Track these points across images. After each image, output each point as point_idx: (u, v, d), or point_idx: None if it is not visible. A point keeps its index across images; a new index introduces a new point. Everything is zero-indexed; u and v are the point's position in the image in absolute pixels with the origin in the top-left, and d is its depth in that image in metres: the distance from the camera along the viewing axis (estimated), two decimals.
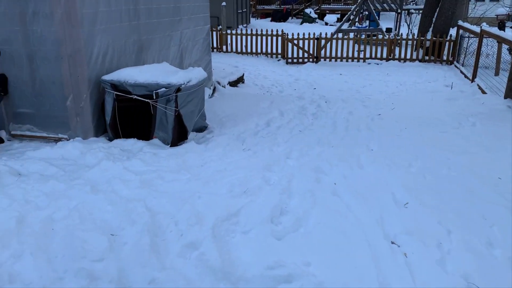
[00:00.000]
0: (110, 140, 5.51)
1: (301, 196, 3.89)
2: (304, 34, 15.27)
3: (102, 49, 5.49)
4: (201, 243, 3.14)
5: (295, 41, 15.27)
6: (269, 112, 7.11)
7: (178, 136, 5.43)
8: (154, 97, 5.18)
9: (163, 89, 5.17)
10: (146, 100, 5.28)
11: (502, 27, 14.16)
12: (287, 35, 15.45)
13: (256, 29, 16.17)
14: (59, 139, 5.53)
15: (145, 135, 5.54)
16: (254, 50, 16.00)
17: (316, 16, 28.47)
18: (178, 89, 5.21)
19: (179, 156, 4.97)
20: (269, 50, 15.91)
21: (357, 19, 19.55)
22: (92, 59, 5.32)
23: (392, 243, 3.29)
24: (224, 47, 16.40)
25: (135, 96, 5.31)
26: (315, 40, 15.13)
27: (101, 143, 5.30)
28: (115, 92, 5.35)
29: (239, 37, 16.30)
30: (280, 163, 4.78)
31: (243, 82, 11.86)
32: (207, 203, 3.69)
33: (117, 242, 3.16)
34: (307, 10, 28.47)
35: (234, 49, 16.25)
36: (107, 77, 5.38)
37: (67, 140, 5.49)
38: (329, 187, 4.14)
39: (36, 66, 5.30)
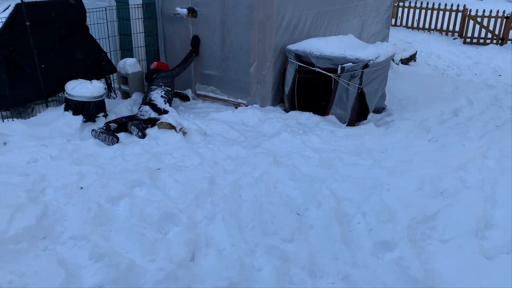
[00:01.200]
0: (286, 111, 5.45)
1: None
2: (491, 11, 13.26)
3: (293, 18, 5.36)
4: (396, 244, 2.82)
5: (478, 19, 13.37)
6: (454, 98, 6.27)
7: (357, 116, 5.09)
8: (339, 71, 4.89)
9: (350, 64, 4.84)
10: (329, 74, 5.02)
11: None
12: (470, 11, 13.59)
13: (433, 2, 14.57)
14: (238, 104, 5.67)
15: (321, 109, 5.34)
16: (426, 26, 14.55)
17: None
18: (366, 65, 4.83)
19: (357, 138, 4.66)
20: (444, 27, 14.27)
21: None
22: (281, 27, 5.24)
23: None
24: (393, 20, 15.25)
25: (318, 69, 5.09)
26: (504, 19, 13.01)
27: (278, 113, 5.26)
28: (298, 63, 5.21)
29: (411, 10, 14.94)
30: (476, 163, 4.11)
31: (414, 60, 10.87)
32: (397, 198, 3.32)
33: (304, 224, 3.03)
34: None
35: (404, 23, 15.00)
36: (292, 47, 5.26)
37: (246, 105, 5.60)
38: None
39: (227, 30, 5.43)
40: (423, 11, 14.49)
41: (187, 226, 2.91)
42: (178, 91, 5.92)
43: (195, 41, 5.70)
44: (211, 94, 5.90)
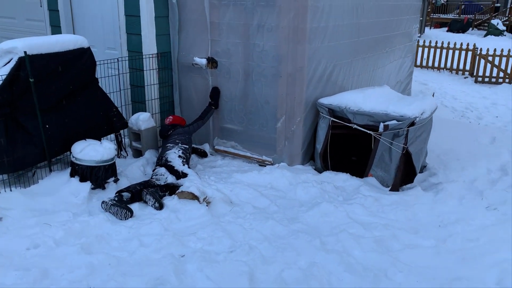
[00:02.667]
0: (318, 171, 4.86)
1: None
2: (502, 50, 12.99)
3: (326, 69, 4.87)
4: None
5: (490, 58, 13.10)
6: (496, 153, 5.71)
7: (402, 179, 4.51)
8: (382, 129, 4.34)
9: (394, 121, 4.30)
10: (369, 132, 4.48)
11: None
12: (480, 50, 13.33)
13: (442, 41, 14.33)
14: (263, 162, 5.10)
15: (357, 169, 4.76)
16: (436, 65, 14.27)
17: (504, 28, 24.67)
18: (412, 123, 4.29)
19: (407, 207, 4.06)
20: (454, 66, 13.98)
21: None
22: (313, 80, 4.73)
23: None
24: None
25: (355, 126, 4.55)
26: None
27: (310, 174, 4.67)
28: (331, 118, 4.68)
29: (420, 49, 14.70)
30: None
31: None
32: None
33: None
34: (494, 21, 24.85)
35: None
36: (324, 101, 4.74)
37: (271, 164, 5.02)
38: None
39: (251, 82, 4.92)
40: (432, 50, 14.26)
41: None
42: (195, 146, 5.36)
43: (215, 93, 5.18)
44: (231, 150, 5.33)
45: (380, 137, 4.43)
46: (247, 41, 4.80)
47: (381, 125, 4.35)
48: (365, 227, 3.63)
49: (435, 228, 3.72)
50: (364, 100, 4.59)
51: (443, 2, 28.96)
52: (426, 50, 14.46)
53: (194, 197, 3.90)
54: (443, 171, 5.02)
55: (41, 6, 6.27)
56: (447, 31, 26.28)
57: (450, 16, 28.21)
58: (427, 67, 14.51)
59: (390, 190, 4.45)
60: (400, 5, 6.41)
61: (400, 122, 4.27)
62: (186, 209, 3.80)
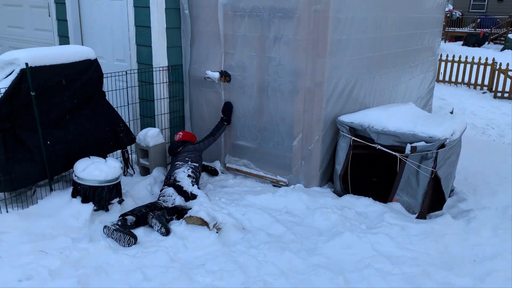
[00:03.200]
0: (338, 194, 4.52)
1: None
2: None
3: (348, 84, 4.56)
4: None
5: (510, 73, 12.68)
6: None
7: (430, 205, 4.14)
8: (410, 151, 4.00)
9: (422, 143, 3.96)
10: (394, 153, 4.13)
11: None
12: (500, 64, 12.93)
13: (459, 55, 13.96)
14: (277, 182, 4.77)
15: (380, 194, 4.41)
16: (453, 79, 13.87)
17: None
18: (442, 145, 3.94)
19: (436, 238, 3.69)
20: (472, 80, 13.58)
21: None
22: (333, 96, 4.42)
23: None
24: None
25: (379, 146, 4.22)
26: None
27: (329, 198, 4.33)
28: (353, 138, 4.35)
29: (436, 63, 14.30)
30: None
31: None
32: None
33: None
34: (511, 35, 24.38)
35: None
36: (345, 118, 4.42)
37: (286, 184, 4.69)
38: None
39: (267, 97, 4.63)
40: (449, 64, 13.88)
41: None
42: (205, 163, 5.06)
43: (228, 108, 4.89)
44: (243, 168, 5.01)
45: (406, 159, 4.09)
46: (263, 54, 4.51)
47: (408, 146, 4.01)
48: (393, 262, 3.28)
49: (470, 264, 3.35)
50: (388, 118, 4.26)
51: (458, 15, 28.57)
52: (442, 64, 14.09)
53: (203, 222, 3.58)
54: (473, 196, 4.64)
55: (49, 16, 6.08)
56: (463, 45, 25.85)
57: (466, 29, 27.76)
58: (443, 81, 14.13)
59: (416, 218, 4.09)
60: (423, 18, 6.09)
61: (429, 144, 3.92)
62: (195, 236, 3.49)
